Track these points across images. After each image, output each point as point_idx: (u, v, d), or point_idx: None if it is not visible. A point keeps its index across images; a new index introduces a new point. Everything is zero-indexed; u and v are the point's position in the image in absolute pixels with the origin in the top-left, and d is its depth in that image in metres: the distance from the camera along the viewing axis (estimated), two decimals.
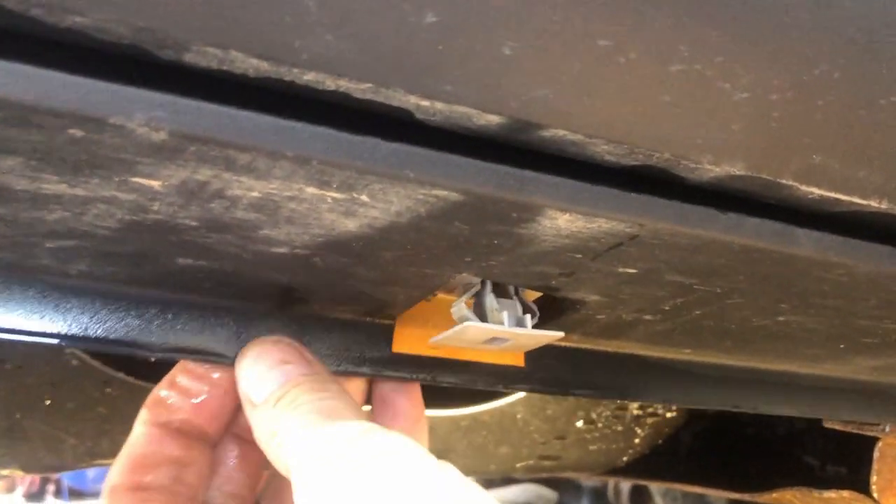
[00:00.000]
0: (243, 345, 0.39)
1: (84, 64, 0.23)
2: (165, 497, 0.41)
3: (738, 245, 0.33)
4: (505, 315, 0.39)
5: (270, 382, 0.37)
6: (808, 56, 0.27)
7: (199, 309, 0.39)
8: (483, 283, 0.40)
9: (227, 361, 0.39)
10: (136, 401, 0.68)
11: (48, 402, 0.65)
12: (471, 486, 0.31)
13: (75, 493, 3.59)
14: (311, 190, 0.28)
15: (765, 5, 0.26)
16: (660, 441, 1.06)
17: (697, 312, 0.42)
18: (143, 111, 0.24)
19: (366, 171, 0.27)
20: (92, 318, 0.37)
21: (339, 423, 0.33)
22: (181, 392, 0.42)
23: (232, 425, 0.45)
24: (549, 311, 0.43)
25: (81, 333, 0.36)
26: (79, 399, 0.66)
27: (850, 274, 0.37)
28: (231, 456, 0.45)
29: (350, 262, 0.35)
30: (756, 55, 0.27)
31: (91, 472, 3.40)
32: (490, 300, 0.40)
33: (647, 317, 0.43)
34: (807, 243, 0.34)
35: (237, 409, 0.44)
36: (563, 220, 0.31)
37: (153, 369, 0.67)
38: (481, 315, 0.40)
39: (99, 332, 0.37)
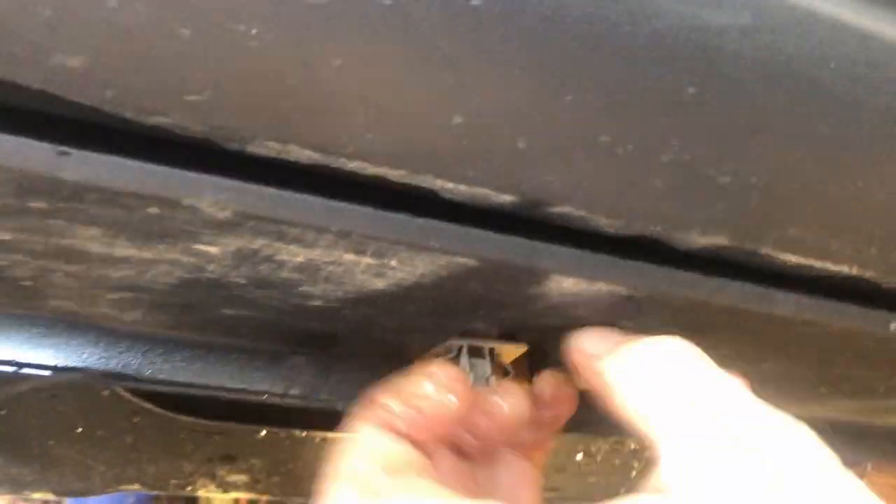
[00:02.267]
0: (276, 383, 0.43)
1: (162, 153, 0.28)
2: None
3: (721, 306, 0.37)
4: (472, 375, 0.44)
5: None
6: (784, 146, 0.32)
7: (237, 351, 0.43)
8: (461, 348, 0.45)
9: (266, 398, 0.43)
10: (162, 430, 0.72)
11: (79, 430, 0.68)
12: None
13: None
14: (348, 256, 0.32)
15: (745, 105, 0.30)
16: None
17: None
18: (212, 194, 0.28)
19: (397, 242, 0.31)
20: (143, 360, 0.41)
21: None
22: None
23: None
24: (553, 356, 0.47)
25: (134, 374, 0.40)
26: (108, 427, 0.69)
27: (825, 331, 0.41)
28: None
29: (375, 313, 0.39)
30: (738, 147, 0.31)
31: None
32: (463, 362, 0.44)
33: None
34: (784, 304, 0.38)
35: None
36: (568, 283, 0.35)
37: (179, 401, 0.70)
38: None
39: (148, 373, 0.41)
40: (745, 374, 0.49)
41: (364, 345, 0.45)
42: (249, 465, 0.75)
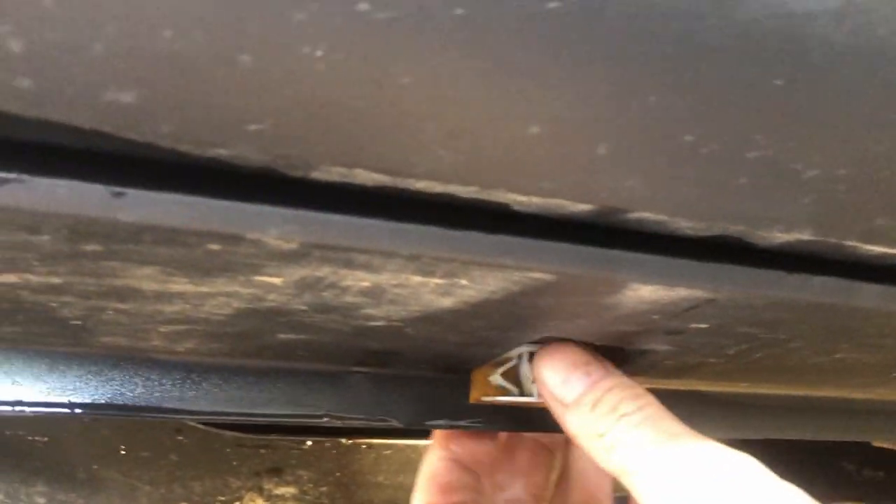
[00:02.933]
0: (335, 404, 0.42)
1: (221, 186, 0.26)
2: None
3: (804, 302, 0.35)
4: (534, 387, 0.43)
5: (578, 383, 0.40)
6: (872, 135, 0.29)
7: (292, 375, 0.41)
8: (520, 357, 0.44)
9: (326, 422, 0.42)
10: (206, 447, 0.71)
11: (123, 452, 0.67)
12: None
13: None
14: (416, 279, 0.30)
15: (834, 96, 0.28)
16: None
17: (759, 355, 0.44)
18: (277, 226, 0.26)
19: (470, 262, 0.29)
20: (197, 391, 0.39)
21: (680, 441, 0.37)
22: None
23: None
24: (617, 358, 0.45)
25: (189, 407, 0.39)
26: (152, 447, 0.68)
27: None
28: (522, 459, 0.52)
29: (439, 330, 0.37)
30: (825, 139, 0.29)
31: None
32: (525, 370, 0.44)
33: (712, 360, 0.45)
34: (869, 297, 0.36)
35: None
36: (646, 290, 0.33)
37: None
38: (516, 383, 0.45)
39: (204, 405, 0.39)
40: (816, 366, 0.48)
41: (424, 360, 0.43)
42: (296, 476, 0.74)
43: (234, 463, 0.70)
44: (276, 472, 0.72)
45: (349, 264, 0.29)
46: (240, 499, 0.73)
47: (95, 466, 0.67)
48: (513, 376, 0.45)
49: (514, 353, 0.44)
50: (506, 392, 0.45)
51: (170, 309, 0.32)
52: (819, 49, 0.27)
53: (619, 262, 0.31)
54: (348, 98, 0.24)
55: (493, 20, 0.23)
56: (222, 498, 0.72)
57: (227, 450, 0.70)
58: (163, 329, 0.35)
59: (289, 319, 0.34)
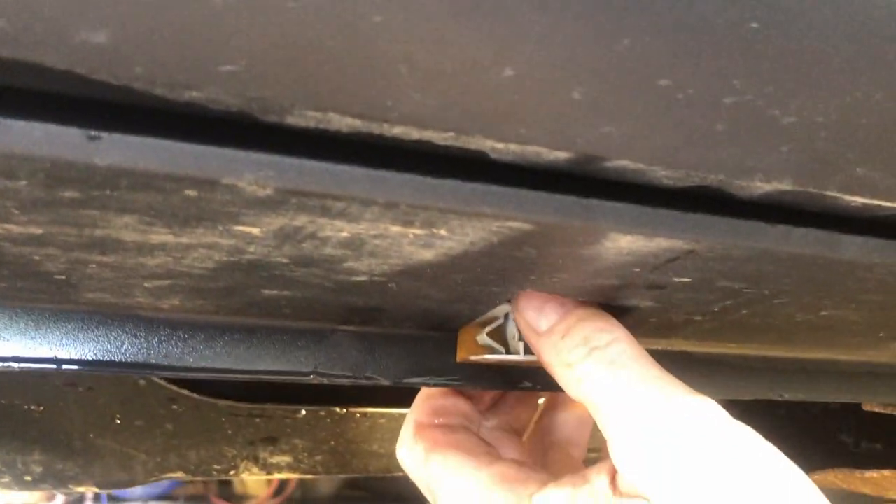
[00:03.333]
0: (321, 362, 0.42)
1: (196, 131, 0.26)
2: (459, 428, 0.50)
3: (786, 254, 0.35)
4: (521, 345, 0.45)
5: (552, 312, 0.41)
6: (851, 80, 0.29)
7: (278, 333, 0.42)
8: (506, 316, 0.45)
9: (312, 379, 0.42)
10: (201, 416, 0.71)
11: (118, 421, 0.68)
12: (770, 447, 0.37)
13: (113, 499, 3.65)
14: (395, 228, 0.30)
15: (811, 40, 0.28)
16: None
17: (744, 312, 0.45)
18: (251, 171, 0.26)
19: (447, 210, 0.29)
20: (184, 348, 0.39)
21: (647, 383, 0.39)
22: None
23: None
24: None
25: (176, 363, 0.39)
26: (147, 417, 0.69)
27: (892, 273, 0.39)
28: (511, 394, 0.54)
29: (423, 285, 0.37)
30: (803, 84, 0.29)
31: None
32: (511, 329, 0.45)
33: (697, 318, 0.45)
34: (851, 248, 0.36)
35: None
36: (625, 241, 0.33)
37: (216, 385, 0.70)
38: (502, 342, 0.46)
39: (191, 361, 0.39)
40: (803, 324, 0.48)
41: (410, 318, 0.43)
42: (292, 445, 0.74)
43: (229, 432, 0.71)
44: (271, 440, 0.73)
45: (326, 212, 0.29)
46: (235, 468, 0.73)
47: (91, 435, 0.67)
48: (499, 335, 0.45)
49: (500, 311, 0.44)
50: (492, 351, 0.45)
51: (152, 262, 0.33)
52: None
53: (597, 212, 0.31)
54: (321, 38, 0.24)
55: None
56: (217, 467, 0.73)
57: (222, 419, 0.70)
58: (147, 284, 0.35)
59: (271, 274, 0.34)
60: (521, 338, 0.44)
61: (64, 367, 0.37)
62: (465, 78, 0.26)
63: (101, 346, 0.38)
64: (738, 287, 0.40)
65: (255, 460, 0.74)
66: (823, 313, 0.46)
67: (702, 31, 0.27)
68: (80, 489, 0.71)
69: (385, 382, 0.44)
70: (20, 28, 0.22)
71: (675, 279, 0.38)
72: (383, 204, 0.28)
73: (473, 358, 0.45)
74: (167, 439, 0.70)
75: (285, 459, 0.73)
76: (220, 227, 0.29)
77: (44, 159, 0.25)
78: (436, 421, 0.50)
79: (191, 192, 0.27)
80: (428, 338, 0.46)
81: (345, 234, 0.31)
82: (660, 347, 0.53)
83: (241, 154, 0.26)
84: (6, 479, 0.71)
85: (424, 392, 0.52)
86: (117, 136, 0.25)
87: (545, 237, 0.32)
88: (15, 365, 0.37)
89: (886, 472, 0.89)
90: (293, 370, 0.42)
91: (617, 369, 0.38)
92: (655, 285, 0.39)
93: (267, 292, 0.37)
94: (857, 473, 0.93)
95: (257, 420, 0.72)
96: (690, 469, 0.35)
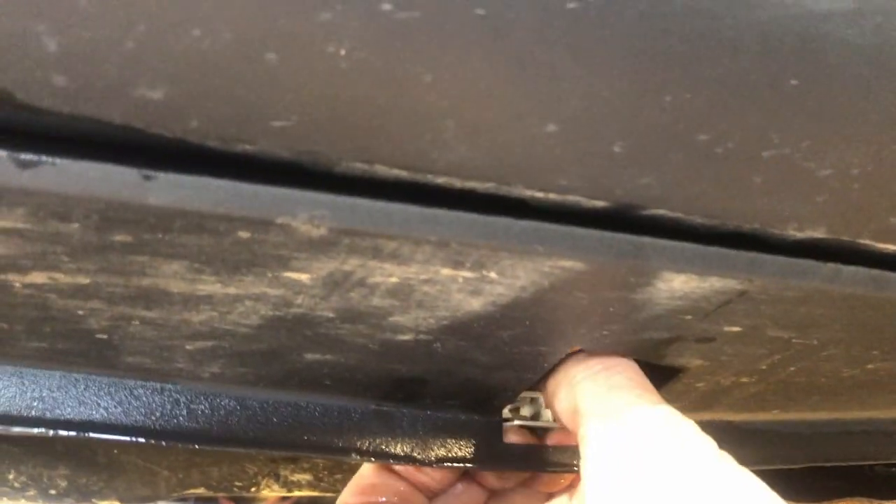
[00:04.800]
0: (360, 443, 0.42)
1: (250, 174, 0.26)
2: None
3: (836, 294, 0.35)
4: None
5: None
6: (887, 133, 0.30)
7: (319, 408, 0.41)
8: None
9: (347, 459, 0.42)
10: None
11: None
12: (750, 478, 0.34)
13: None
14: (445, 272, 0.30)
15: (849, 95, 0.28)
16: None
17: (792, 369, 0.44)
18: (305, 210, 0.26)
19: (499, 248, 0.29)
20: (221, 418, 0.39)
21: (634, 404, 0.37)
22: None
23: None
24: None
25: (211, 435, 0.39)
26: None
27: None
28: (458, 488, 0.49)
29: (469, 345, 0.37)
30: (840, 137, 0.29)
31: None
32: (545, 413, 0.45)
33: (744, 379, 0.45)
34: None
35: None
36: (678, 281, 0.33)
37: None
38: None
39: (224, 432, 0.39)
40: (848, 381, 0.48)
41: (453, 392, 0.42)
42: (312, 463, 0.74)
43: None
44: (292, 459, 0.73)
45: (378, 254, 0.29)
46: (256, 485, 0.73)
47: (115, 451, 0.68)
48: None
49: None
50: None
51: (197, 318, 0.33)
52: (835, 49, 0.28)
53: (650, 250, 0.31)
54: (370, 95, 0.24)
55: (512, 20, 0.24)
56: (239, 483, 0.73)
57: None
58: (189, 346, 0.35)
59: (315, 332, 0.34)
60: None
61: (90, 434, 0.38)
62: (509, 133, 0.26)
63: (138, 411, 0.38)
64: (787, 337, 0.39)
65: (276, 477, 0.74)
66: (870, 366, 0.45)
67: (742, 87, 0.27)
68: (104, 503, 0.72)
69: (424, 463, 0.44)
70: (82, 84, 0.23)
71: (726, 328, 0.38)
72: (435, 243, 0.28)
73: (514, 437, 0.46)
74: (190, 456, 0.71)
75: (306, 478, 0.73)
76: (270, 274, 0.30)
77: (98, 200, 0.25)
78: (363, 500, 0.47)
79: (244, 234, 0.27)
80: (472, 420, 0.45)
81: (394, 279, 0.31)
82: (704, 419, 0.53)
83: (295, 193, 0.26)
84: (32, 493, 0.72)
85: (363, 471, 0.49)
86: (172, 176, 0.25)
87: (596, 279, 0.32)
88: (49, 431, 0.37)
89: None
90: (332, 447, 0.42)
91: (613, 374, 0.38)
92: (705, 337, 0.39)
93: (309, 356, 0.36)
94: (877, 503, 0.92)
95: None
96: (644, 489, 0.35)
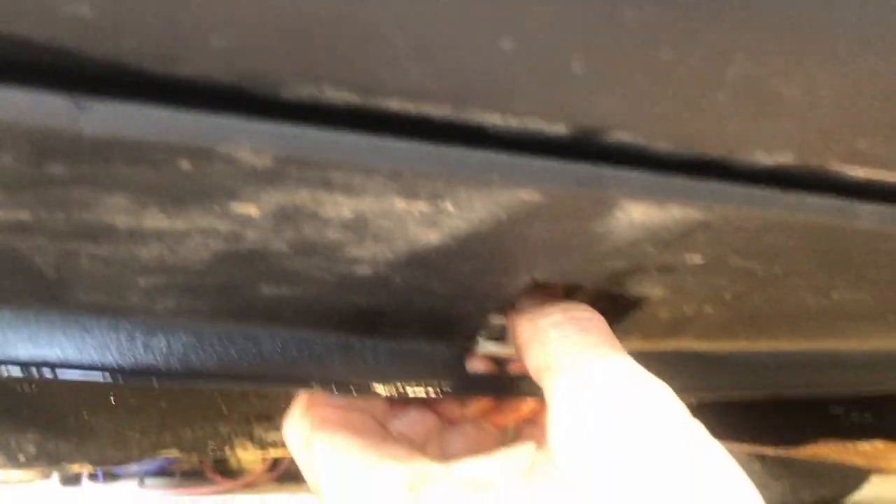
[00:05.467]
0: (321, 374, 0.41)
1: (191, 101, 0.25)
2: (356, 409, 0.45)
3: (800, 223, 0.35)
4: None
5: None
6: (854, 53, 0.29)
7: (277, 341, 0.41)
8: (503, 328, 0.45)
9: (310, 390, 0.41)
10: (195, 394, 0.70)
11: (112, 400, 0.67)
12: (716, 447, 0.34)
13: (109, 475, 3.67)
14: (400, 204, 0.29)
15: (815, 11, 0.27)
16: (692, 401, 1.08)
17: (756, 299, 0.43)
18: (248, 139, 0.25)
19: (455, 179, 0.28)
20: (179, 353, 0.38)
21: (602, 359, 0.37)
22: None
23: None
24: (609, 316, 0.44)
25: (169, 369, 0.38)
26: (141, 395, 0.68)
27: None
28: (412, 415, 0.48)
29: (428, 277, 0.36)
30: (807, 56, 0.28)
31: None
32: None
33: (708, 309, 0.44)
34: (867, 217, 0.35)
35: None
36: (638, 211, 0.32)
37: None
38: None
39: (183, 367, 0.38)
40: (815, 311, 0.47)
41: (415, 323, 0.42)
42: None
43: (224, 410, 0.70)
44: (267, 418, 0.72)
45: (328, 186, 0.28)
46: (230, 445, 0.73)
47: (85, 414, 0.67)
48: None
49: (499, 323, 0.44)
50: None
51: (146, 254, 0.31)
52: None
53: (609, 179, 0.30)
54: (312, 9, 0.23)
55: None
56: (213, 444, 0.72)
57: (216, 396, 0.70)
58: (141, 282, 0.34)
59: (270, 266, 0.33)
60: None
61: (58, 370, 0.36)
62: (463, 50, 0.25)
63: (98, 351, 0.37)
64: (751, 267, 0.39)
65: (251, 437, 0.73)
66: (835, 296, 0.45)
67: (705, 2, 0.26)
68: (75, 467, 0.70)
69: (384, 394, 0.43)
70: (6, 2, 0.22)
71: (688, 258, 0.37)
72: (387, 173, 0.27)
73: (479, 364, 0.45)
74: (162, 417, 0.70)
75: (280, 437, 0.73)
76: (217, 208, 0.29)
77: (30, 129, 0.24)
78: (330, 398, 0.45)
79: (185, 164, 0.26)
80: (435, 348, 0.44)
81: (347, 212, 0.30)
82: (670, 348, 0.53)
83: (237, 122, 0.25)
84: (0, 459, 0.71)
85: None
86: (107, 105, 0.24)
87: (555, 210, 0.31)
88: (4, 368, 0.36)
89: (879, 444, 0.89)
90: (293, 380, 0.41)
91: (584, 333, 0.38)
92: (667, 267, 0.38)
93: (266, 290, 0.36)
94: (850, 445, 0.93)
95: (252, 397, 0.71)
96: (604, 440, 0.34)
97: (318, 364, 0.41)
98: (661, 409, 0.34)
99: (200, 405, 0.71)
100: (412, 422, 0.46)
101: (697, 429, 0.34)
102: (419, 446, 0.45)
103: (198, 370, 0.39)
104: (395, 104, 0.27)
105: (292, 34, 0.24)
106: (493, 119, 0.28)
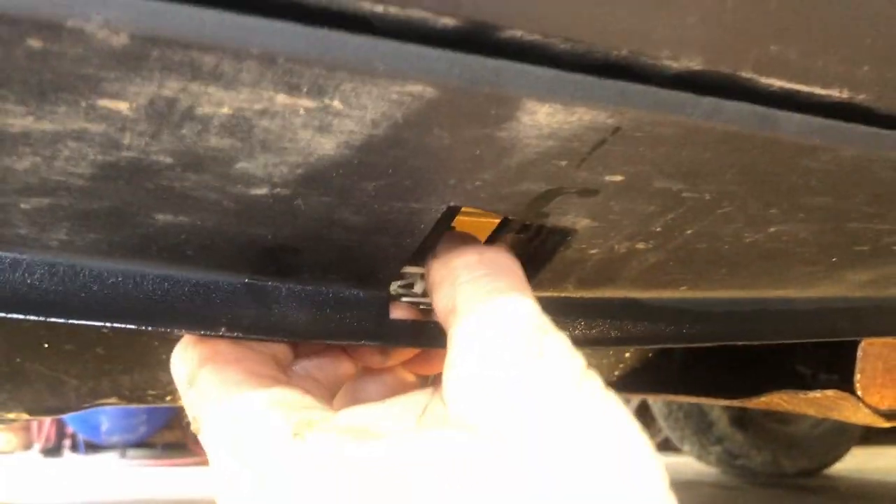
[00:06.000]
0: (233, 320, 0.40)
1: None
2: (252, 345, 0.42)
3: (719, 133, 0.33)
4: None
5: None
6: None
7: (188, 280, 0.39)
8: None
9: (220, 334, 0.39)
10: (133, 340, 0.68)
11: (46, 346, 0.65)
12: (608, 399, 0.32)
13: (91, 447, 3.65)
14: (281, 98, 0.28)
15: None
16: (650, 354, 1.07)
17: (689, 232, 0.42)
18: (100, 10, 0.23)
19: (335, 66, 0.27)
20: (77, 290, 0.37)
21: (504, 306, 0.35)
22: None
23: None
24: (538, 256, 0.43)
25: (67, 307, 0.37)
26: (76, 341, 0.66)
27: (835, 161, 0.37)
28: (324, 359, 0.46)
29: (333, 201, 0.34)
30: None
31: (104, 425, 3.47)
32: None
33: (640, 245, 0.43)
34: (788, 126, 0.34)
35: None
36: (543, 113, 0.30)
37: None
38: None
39: (82, 306, 0.37)
40: (754, 249, 0.46)
41: (331, 265, 0.40)
42: None
43: (163, 356, 0.68)
44: None
45: (197, 73, 0.26)
46: (171, 393, 0.70)
47: (18, 360, 0.64)
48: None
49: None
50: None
51: (20, 166, 0.30)
52: None
53: (507, 74, 0.29)
54: None
55: None
56: (153, 392, 0.70)
57: (155, 342, 0.67)
58: (24, 205, 0.32)
59: (158, 185, 0.31)
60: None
61: None
62: None
63: None
64: (676, 189, 0.37)
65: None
66: (772, 229, 0.43)
67: None
68: (10, 416, 0.68)
69: (300, 339, 0.41)
70: None
71: (608, 177, 0.35)
72: (259, 56, 0.25)
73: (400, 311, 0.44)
74: (99, 364, 0.67)
75: None
76: (84, 103, 0.27)
77: None
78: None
79: (35, 42, 0.24)
80: (356, 295, 0.43)
81: (225, 109, 0.28)
82: (607, 296, 0.51)
83: None
84: None
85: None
86: None
87: (451, 110, 0.29)
88: None
89: (829, 392, 0.89)
90: (202, 322, 0.39)
91: (494, 276, 0.36)
92: (587, 189, 0.36)
93: (161, 218, 0.34)
94: (801, 394, 0.92)
95: None
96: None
97: (227, 307, 0.39)
98: (555, 361, 0.33)
99: (139, 351, 0.68)
100: (323, 365, 0.44)
101: (590, 380, 0.33)
102: (326, 391, 0.43)
103: (96, 310, 0.37)
104: None
105: None
106: (373, 7, 0.26)
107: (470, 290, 0.36)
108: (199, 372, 0.38)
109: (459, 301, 0.36)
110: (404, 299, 0.44)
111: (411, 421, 0.35)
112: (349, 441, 0.34)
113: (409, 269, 0.43)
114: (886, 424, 0.92)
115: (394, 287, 0.44)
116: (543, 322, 0.35)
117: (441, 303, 0.37)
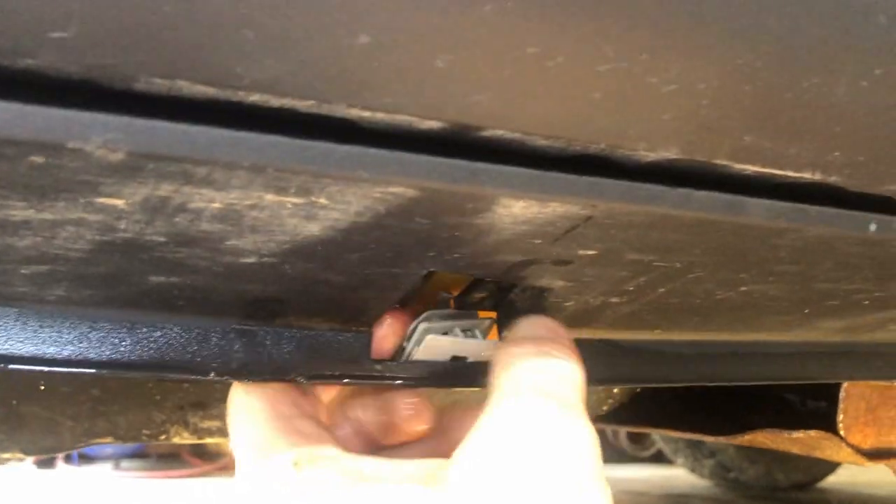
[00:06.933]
0: (218, 361, 0.41)
1: (39, 95, 0.25)
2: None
3: (689, 219, 0.35)
4: (457, 331, 0.43)
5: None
6: (731, 48, 0.29)
7: (175, 328, 0.40)
8: (450, 300, 0.44)
9: (211, 378, 0.41)
10: (127, 381, 0.70)
11: (42, 388, 0.67)
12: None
13: (84, 458, 3.65)
14: (270, 197, 0.29)
15: (685, 5, 0.27)
16: (637, 390, 1.09)
17: (661, 290, 0.44)
18: (98, 134, 0.25)
19: (320, 174, 0.28)
20: (72, 341, 0.38)
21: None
22: None
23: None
24: (516, 306, 0.44)
25: (63, 358, 0.38)
26: (72, 383, 0.68)
27: (802, 238, 0.38)
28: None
29: (318, 266, 0.36)
30: (680, 51, 0.28)
31: None
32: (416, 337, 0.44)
33: (614, 299, 0.44)
34: (756, 212, 0.35)
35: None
36: (518, 207, 0.32)
37: None
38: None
39: (77, 356, 0.38)
40: (725, 303, 0.47)
41: (317, 311, 0.42)
42: (221, 410, 0.73)
43: (157, 397, 0.70)
44: (201, 405, 0.72)
45: (190, 179, 0.27)
46: (165, 433, 0.72)
47: (15, 402, 0.66)
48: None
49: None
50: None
51: (22, 243, 0.31)
52: None
53: (484, 175, 0.30)
54: (150, 3, 0.23)
55: None
56: (147, 431, 0.72)
57: (149, 384, 0.69)
58: (24, 270, 0.33)
59: (152, 256, 0.33)
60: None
61: None
62: (318, 45, 0.25)
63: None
64: (648, 260, 0.39)
65: (185, 425, 0.73)
66: (743, 288, 0.45)
67: None
68: (6, 456, 0.70)
69: (303, 381, 0.43)
70: None
71: (581, 252, 0.37)
72: (248, 168, 0.27)
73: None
74: (94, 405, 0.69)
75: (215, 424, 0.72)
76: (82, 200, 0.28)
77: None
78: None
79: (37, 159, 0.25)
80: (341, 335, 0.44)
81: (217, 204, 0.29)
82: (582, 336, 0.52)
83: (85, 116, 0.25)
84: None
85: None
86: None
87: (434, 205, 0.31)
88: None
89: (812, 433, 0.91)
90: (194, 368, 0.40)
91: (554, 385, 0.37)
92: (562, 260, 0.38)
93: (154, 279, 0.35)
94: (785, 434, 0.94)
95: (186, 385, 0.71)
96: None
97: (217, 353, 0.41)
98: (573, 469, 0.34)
99: (134, 392, 0.70)
100: (366, 405, 0.47)
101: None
102: (365, 433, 0.46)
103: (91, 359, 0.38)
104: (256, 98, 0.26)
105: (135, 29, 0.23)
106: (361, 114, 0.28)
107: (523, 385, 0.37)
108: (233, 397, 0.42)
109: (506, 384, 0.37)
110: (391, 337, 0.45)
111: (413, 479, 0.36)
112: (343, 480, 0.36)
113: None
114: (868, 464, 0.93)
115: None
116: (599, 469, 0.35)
117: (492, 379, 0.38)
